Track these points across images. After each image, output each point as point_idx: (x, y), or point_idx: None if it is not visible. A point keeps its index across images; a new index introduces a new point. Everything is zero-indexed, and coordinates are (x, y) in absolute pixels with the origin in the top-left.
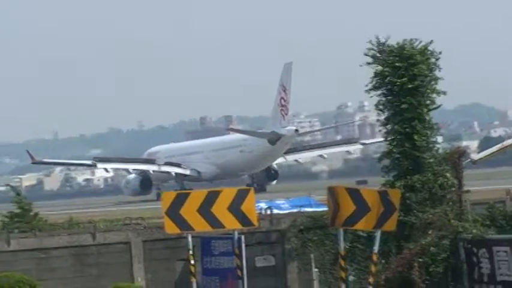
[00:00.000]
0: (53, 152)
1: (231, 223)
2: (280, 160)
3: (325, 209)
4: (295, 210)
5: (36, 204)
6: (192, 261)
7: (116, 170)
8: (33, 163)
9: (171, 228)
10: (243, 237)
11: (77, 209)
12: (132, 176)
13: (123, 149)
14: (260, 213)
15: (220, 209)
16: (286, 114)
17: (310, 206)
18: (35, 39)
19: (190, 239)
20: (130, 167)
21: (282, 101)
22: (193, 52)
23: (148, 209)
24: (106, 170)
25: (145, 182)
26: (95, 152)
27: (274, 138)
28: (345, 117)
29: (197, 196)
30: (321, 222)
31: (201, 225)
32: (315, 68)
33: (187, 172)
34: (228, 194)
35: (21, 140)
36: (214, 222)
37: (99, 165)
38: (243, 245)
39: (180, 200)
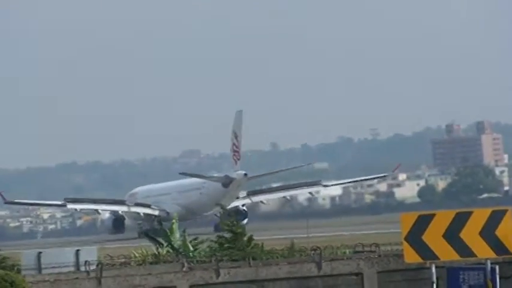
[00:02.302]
0: (271, 165)
1: (483, 251)
2: (247, 201)
3: None
4: None
5: (251, 227)
6: None
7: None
8: (5, 203)
9: (412, 257)
10: (497, 267)
11: (298, 233)
12: (107, 215)
13: (354, 161)
14: None
15: (471, 234)
16: (238, 159)
17: None
18: None
19: (434, 269)
20: (100, 208)
21: (234, 147)
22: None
23: (383, 234)
24: (76, 210)
25: (117, 222)
26: (319, 166)
27: (227, 182)
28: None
29: (443, 218)
30: None
31: (447, 254)
32: None
33: (156, 213)
34: (480, 215)
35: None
36: (463, 249)
37: (69, 205)
38: (497, 277)
39: (422, 223)
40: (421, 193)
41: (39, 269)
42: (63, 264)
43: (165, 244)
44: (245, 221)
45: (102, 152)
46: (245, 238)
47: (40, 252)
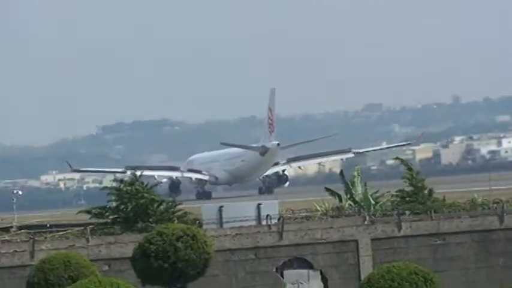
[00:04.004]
0: (455, 118)
1: None
2: (286, 167)
3: None
4: None
5: (431, 181)
6: None
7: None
8: (72, 171)
9: None
10: None
11: (480, 186)
12: (164, 180)
13: None
14: None
15: None
16: (273, 131)
17: None
18: None
19: None
20: (156, 173)
21: (269, 120)
22: None
23: None
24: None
25: (173, 186)
26: (501, 119)
27: (263, 151)
28: None
29: None
30: None
31: None
32: None
33: (206, 178)
34: None
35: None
36: None
37: (129, 172)
38: None
39: None
40: None
41: (220, 223)
42: (245, 218)
43: (346, 197)
44: (286, 184)
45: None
46: (426, 191)
47: (221, 206)
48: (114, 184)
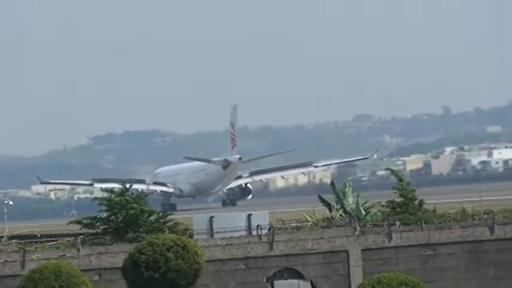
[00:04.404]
0: (445, 129)
1: None
2: (249, 180)
3: None
4: None
5: (422, 191)
6: None
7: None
8: (41, 183)
9: None
10: None
11: (471, 197)
12: None
13: None
14: None
15: None
16: (235, 145)
17: None
18: None
19: None
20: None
21: (232, 135)
22: None
23: None
24: (101, 189)
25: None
26: (492, 130)
27: (226, 165)
28: None
29: None
30: None
31: None
32: None
33: (171, 190)
34: None
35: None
36: None
37: (96, 185)
38: None
39: None
40: None
41: (211, 233)
42: (235, 229)
43: (337, 207)
44: (249, 197)
45: (273, 116)
46: (416, 202)
47: (212, 217)
48: (104, 195)
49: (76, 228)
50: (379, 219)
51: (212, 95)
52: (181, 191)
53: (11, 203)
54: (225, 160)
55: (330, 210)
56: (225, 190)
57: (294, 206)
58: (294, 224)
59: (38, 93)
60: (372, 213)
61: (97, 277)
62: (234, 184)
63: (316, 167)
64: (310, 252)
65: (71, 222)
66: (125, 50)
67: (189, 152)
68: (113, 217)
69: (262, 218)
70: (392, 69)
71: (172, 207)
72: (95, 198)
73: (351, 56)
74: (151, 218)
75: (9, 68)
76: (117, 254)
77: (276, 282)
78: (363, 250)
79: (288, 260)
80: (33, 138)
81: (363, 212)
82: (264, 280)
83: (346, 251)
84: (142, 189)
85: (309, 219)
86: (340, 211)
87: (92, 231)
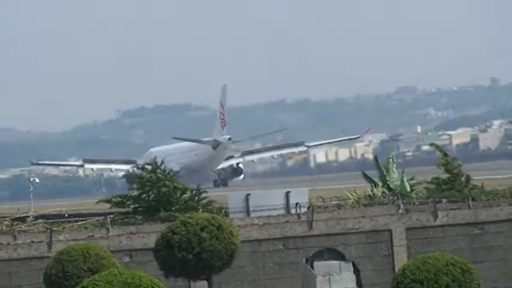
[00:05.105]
0: (493, 101)
1: None
2: (240, 160)
3: None
4: None
5: (469, 167)
6: None
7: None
8: (32, 164)
9: None
10: None
11: None
12: (121, 174)
13: None
14: None
15: None
16: (225, 125)
17: None
18: None
19: None
20: (113, 167)
21: (221, 115)
22: None
23: None
24: (92, 169)
25: (130, 180)
26: None
27: (215, 145)
28: None
29: None
30: None
31: None
32: None
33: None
34: None
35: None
36: None
37: (86, 165)
38: None
39: None
40: None
41: (247, 211)
42: (273, 207)
43: (380, 184)
44: (241, 177)
45: (312, 89)
46: (463, 178)
47: (248, 194)
48: (135, 171)
49: (105, 207)
50: (423, 197)
51: (242, 68)
52: (173, 171)
53: (37, 180)
54: (215, 140)
55: (374, 187)
56: (216, 170)
57: (335, 183)
58: (335, 202)
59: (66, 65)
60: (417, 190)
61: (127, 258)
62: (226, 164)
63: (308, 146)
64: (351, 231)
65: (100, 201)
66: (161, 26)
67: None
68: (144, 195)
69: (301, 195)
70: (436, 40)
71: None
72: (126, 176)
73: (392, 28)
74: (185, 195)
75: (33, 41)
76: (149, 234)
77: (315, 263)
78: (407, 229)
79: (329, 240)
80: (60, 113)
81: (409, 189)
82: (303, 261)
83: (390, 230)
84: (133, 170)
85: (350, 196)
86: (384, 188)
87: (122, 210)
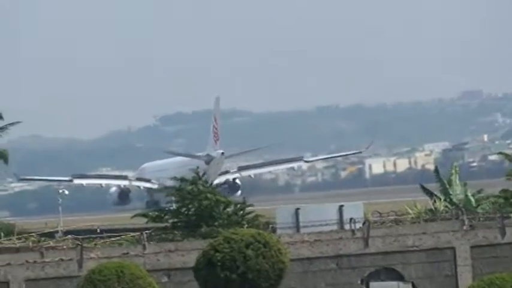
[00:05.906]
0: None
1: None
2: (236, 175)
3: None
4: None
5: None
6: None
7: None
8: (19, 180)
9: None
10: None
11: None
12: (113, 189)
13: None
14: None
15: None
16: (218, 140)
17: None
18: None
19: None
20: (104, 182)
21: (214, 129)
22: None
23: None
24: (82, 185)
25: (123, 195)
26: None
27: (208, 160)
28: None
29: None
30: None
31: None
32: None
33: (155, 186)
34: None
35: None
36: None
37: (76, 181)
38: None
39: None
40: None
41: (296, 227)
42: (325, 222)
43: (442, 198)
44: (238, 192)
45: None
46: None
47: (298, 209)
48: (173, 184)
49: (142, 221)
50: (490, 211)
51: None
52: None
53: (66, 192)
54: (208, 155)
55: (435, 201)
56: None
57: (392, 196)
58: (393, 217)
59: (97, 69)
60: (484, 204)
61: (166, 278)
62: (221, 179)
63: (306, 161)
64: (411, 249)
65: (135, 215)
66: (198, 29)
67: (267, 133)
68: (184, 209)
69: (355, 209)
70: (501, 40)
71: (157, 204)
72: (164, 188)
73: (451, 22)
74: (228, 209)
75: (66, 44)
76: (189, 252)
77: (372, 284)
78: (472, 247)
79: (386, 258)
80: (89, 119)
81: (474, 203)
82: (359, 282)
83: (453, 248)
84: (125, 185)
85: (410, 211)
86: (446, 202)
87: (159, 225)
